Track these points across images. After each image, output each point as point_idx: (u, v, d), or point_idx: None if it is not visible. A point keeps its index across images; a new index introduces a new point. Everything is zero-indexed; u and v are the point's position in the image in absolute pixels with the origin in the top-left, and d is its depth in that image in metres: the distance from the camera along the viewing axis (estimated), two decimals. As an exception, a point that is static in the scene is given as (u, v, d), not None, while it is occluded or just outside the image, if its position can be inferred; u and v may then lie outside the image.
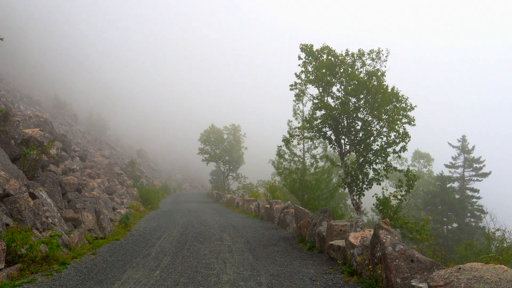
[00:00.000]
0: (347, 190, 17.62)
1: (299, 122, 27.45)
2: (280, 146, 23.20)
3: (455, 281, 6.24)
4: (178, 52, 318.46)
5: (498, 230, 30.53)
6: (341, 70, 16.98)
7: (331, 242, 12.70)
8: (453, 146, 51.31)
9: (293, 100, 19.32)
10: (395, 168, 16.99)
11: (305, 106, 28.04)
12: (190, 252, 13.85)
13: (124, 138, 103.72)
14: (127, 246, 15.40)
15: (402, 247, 8.44)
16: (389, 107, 16.55)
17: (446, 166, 51.60)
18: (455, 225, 46.73)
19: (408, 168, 17.22)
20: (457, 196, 48.18)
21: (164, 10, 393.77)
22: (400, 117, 16.60)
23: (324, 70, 16.91)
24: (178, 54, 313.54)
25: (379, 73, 16.71)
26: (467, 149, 50.38)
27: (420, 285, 7.51)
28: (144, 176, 61.12)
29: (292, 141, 21.99)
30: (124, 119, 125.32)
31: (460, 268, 6.63)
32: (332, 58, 17.13)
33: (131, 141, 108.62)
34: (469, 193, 49.22)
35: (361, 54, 17.23)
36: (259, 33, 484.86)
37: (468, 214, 47.32)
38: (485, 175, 49.66)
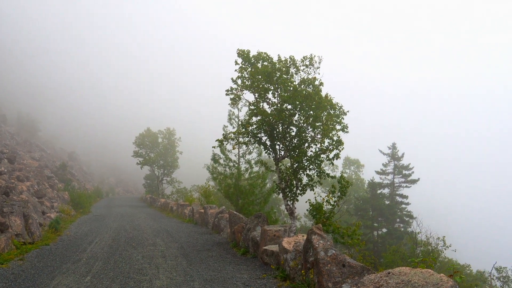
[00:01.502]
0: (281, 195, 17.96)
1: (234, 127, 27.66)
2: (214, 147, 23.26)
3: (384, 285, 6.50)
4: (112, 53, 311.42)
5: (419, 233, 32.14)
6: (277, 75, 17.27)
7: (265, 247, 12.95)
8: (384, 153, 53.35)
9: (229, 104, 19.41)
10: (328, 175, 17.53)
11: (240, 111, 28.30)
12: (122, 258, 13.70)
13: (56, 141, 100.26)
14: (57, 251, 15.00)
15: (334, 252, 8.72)
16: (323, 114, 17.02)
17: (377, 172, 53.57)
18: (385, 230, 48.48)
19: (341, 175, 17.80)
20: (387, 202, 50.15)
21: (96, 8, 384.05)
22: (335, 124, 17.09)
23: (260, 77, 17.19)
24: (112, 56, 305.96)
25: (316, 82, 17.18)
26: (397, 156, 52.52)
27: (351, 289, 7.77)
28: (75, 179, 59.42)
29: (226, 145, 22.13)
30: (57, 121, 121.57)
31: (389, 273, 6.93)
32: (268, 65, 17.44)
33: (64, 143, 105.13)
34: (398, 199, 51.38)
35: (293, 61, 17.64)
36: (196, 35, 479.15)
37: (397, 220, 49.38)
38: (414, 181, 52.01)
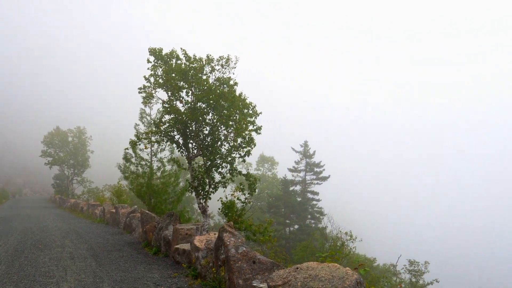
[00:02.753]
0: (194, 194, 18.08)
1: (145, 126, 27.37)
2: (127, 148, 22.93)
3: (292, 280, 6.80)
4: (22, 51, 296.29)
5: (326, 228, 33.44)
6: (191, 73, 17.36)
7: (177, 246, 13.05)
8: (296, 151, 54.77)
9: (142, 103, 19.21)
10: (240, 172, 17.90)
11: (151, 109, 28.06)
12: (28, 260, 13.24)
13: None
14: (-48, 257, 14.15)
15: (244, 249, 8.97)
16: (237, 113, 17.35)
17: (290, 170, 54.96)
18: (296, 226, 49.78)
19: (248, 172, 18.20)
20: (299, 199, 51.53)
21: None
22: (248, 124, 17.46)
23: (174, 74, 17.21)
24: (22, 53, 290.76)
25: (231, 82, 17.49)
26: (308, 154, 54.09)
27: (261, 285, 8.00)
28: (-24, 181, 55.93)
29: (139, 145, 21.91)
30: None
31: (297, 268, 7.24)
32: (182, 63, 17.51)
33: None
34: (310, 196, 53.00)
35: (210, 60, 17.84)
36: (110, 31, 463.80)
37: (309, 216, 50.98)
38: (325, 178, 53.86)
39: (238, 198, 17.57)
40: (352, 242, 34.59)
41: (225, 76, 17.93)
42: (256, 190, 18.66)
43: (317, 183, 54.31)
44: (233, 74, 18.05)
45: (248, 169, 71.61)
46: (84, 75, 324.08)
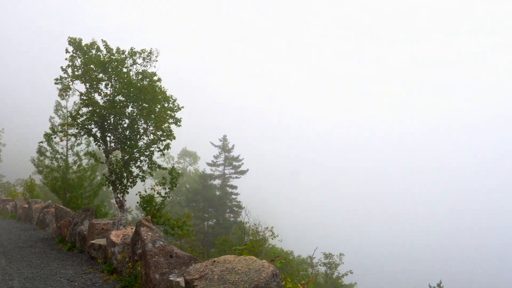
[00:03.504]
0: (111, 188, 17.69)
1: (61, 119, 26.33)
2: (41, 142, 21.94)
3: (209, 273, 6.88)
4: None
5: (247, 222, 33.86)
6: (111, 65, 16.96)
7: (92, 241, 12.79)
8: (215, 145, 54.81)
9: (58, 95, 18.49)
10: (159, 166, 17.75)
11: (67, 101, 27.00)
12: None
13: None
14: None
15: (161, 243, 8.96)
16: (157, 107, 17.18)
17: (208, 164, 54.97)
18: (215, 220, 49.91)
19: (173, 166, 18.12)
20: (217, 193, 51.67)
21: None
22: (167, 117, 17.33)
23: (93, 66, 16.73)
24: None
25: (154, 77, 17.29)
26: (227, 148, 54.32)
27: (178, 279, 8.05)
28: None
29: (55, 138, 21.07)
30: None
31: (214, 261, 7.34)
32: (101, 55, 17.06)
33: None
34: (228, 189, 53.30)
35: (133, 53, 17.51)
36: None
37: (227, 210, 51.26)
38: (243, 172, 54.33)
39: (158, 192, 17.41)
40: (271, 236, 35.24)
41: (147, 70, 17.68)
42: (177, 185, 18.53)
43: (236, 177, 54.69)
44: (155, 67, 17.83)
45: (172, 164, 70.81)
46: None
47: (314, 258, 42.09)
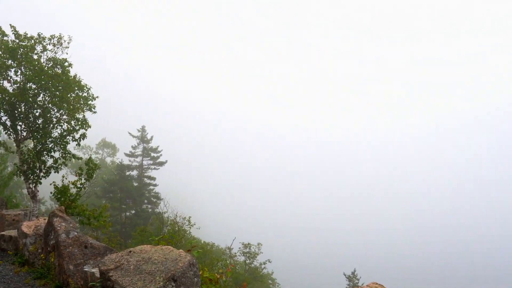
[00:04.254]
0: (23, 178, 16.88)
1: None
2: None
3: (125, 263, 6.78)
4: None
5: (165, 212, 33.56)
6: (20, 51, 16.11)
7: (2, 233, 12.25)
8: (133, 136, 53.63)
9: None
10: (74, 156, 17.17)
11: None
12: None
13: None
14: None
15: (76, 234, 8.71)
16: (71, 95, 16.58)
17: (126, 155, 53.76)
18: (133, 211, 48.95)
19: (89, 157, 17.59)
20: (135, 184, 50.64)
21: None
22: (82, 105, 16.80)
23: (0, 52, 15.81)
24: None
25: (65, 63, 16.61)
26: (146, 139, 53.32)
27: (92, 270, 7.87)
28: None
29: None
30: None
31: (130, 251, 7.24)
32: (10, 40, 16.14)
33: None
34: (146, 180, 52.39)
35: (41, 38, 16.72)
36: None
37: (145, 201, 50.45)
38: (162, 163, 53.59)
39: (73, 183, 16.82)
40: (188, 226, 35.11)
41: (58, 57, 16.95)
42: (94, 176, 18.03)
43: (154, 168, 53.87)
44: (67, 54, 17.15)
45: (89, 154, 68.38)
46: None
47: (232, 248, 42.45)
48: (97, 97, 17.57)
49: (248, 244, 42.73)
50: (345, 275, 46.25)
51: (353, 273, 45.87)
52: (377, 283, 4.15)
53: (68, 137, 17.02)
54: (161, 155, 54.16)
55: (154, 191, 52.15)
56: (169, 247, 7.21)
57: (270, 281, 48.87)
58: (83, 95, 17.05)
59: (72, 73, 17.06)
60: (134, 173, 53.25)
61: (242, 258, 42.96)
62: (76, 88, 16.81)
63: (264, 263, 41.98)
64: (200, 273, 8.11)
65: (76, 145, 17.84)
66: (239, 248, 42.80)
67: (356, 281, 44.79)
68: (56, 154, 17.10)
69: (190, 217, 35.08)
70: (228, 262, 39.31)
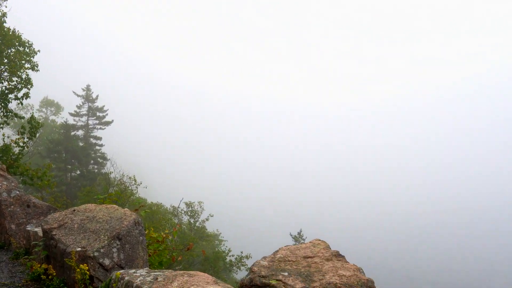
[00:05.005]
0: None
1: None
2: None
3: (69, 222, 6.75)
4: None
5: (111, 173, 33.23)
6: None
7: None
8: (78, 95, 52.04)
9: None
10: (16, 115, 16.61)
11: None
12: None
13: None
14: None
15: (18, 193, 8.55)
16: (11, 51, 15.89)
17: (71, 114, 52.28)
18: (78, 172, 48.09)
19: (32, 115, 17.06)
20: (81, 144, 49.55)
21: None
22: (23, 62, 16.17)
23: None
24: None
25: None
26: (91, 98, 51.90)
27: (35, 229, 7.77)
28: None
29: None
30: None
31: (74, 210, 7.20)
32: None
33: None
34: (92, 141, 51.34)
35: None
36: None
37: (92, 161, 49.57)
38: (108, 123, 52.53)
39: (15, 142, 16.31)
40: (135, 185, 34.91)
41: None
42: (37, 135, 17.52)
43: (100, 128, 52.75)
44: (5, 7, 16.32)
45: (32, 112, 65.84)
46: None
47: (178, 208, 42.59)
48: (39, 51, 16.88)
49: (190, 202, 42.88)
50: (291, 235, 47.54)
51: (299, 233, 47.18)
52: (319, 240, 4.33)
53: (10, 95, 16.38)
54: (107, 114, 52.98)
55: (100, 151, 51.24)
56: (114, 206, 7.21)
57: (217, 242, 49.59)
58: (24, 50, 16.34)
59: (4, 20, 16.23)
60: (80, 133, 52.02)
61: (186, 218, 43.20)
62: (16, 43, 16.07)
63: (207, 219, 42.36)
64: (146, 232, 8.16)
65: (18, 103, 17.24)
66: (182, 208, 42.99)
67: (302, 241, 46.14)
68: (-3, 113, 16.50)
69: (134, 175, 34.85)
70: (175, 222, 39.54)
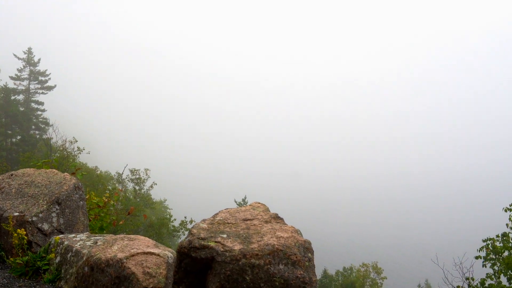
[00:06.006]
0: None
1: None
2: None
3: (6, 187, 6.52)
4: None
5: (51, 138, 32.22)
6: None
7: None
8: (19, 58, 49.76)
9: None
10: None
11: None
12: None
13: None
14: None
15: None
16: None
17: (12, 78, 49.95)
18: (19, 137, 46.41)
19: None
20: (21, 109, 47.67)
21: None
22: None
23: None
24: None
25: None
26: (33, 61, 49.78)
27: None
28: None
29: None
30: None
31: (12, 174, 6.95)
32: None
33: None
34: (34, 105, 49.47)
35: None
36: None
37: (33, 127, 47.91)
38: (50, 88, 50.71)
39: None
40: (78, 152, 34.10)
41: None
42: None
43: (42, 93, 50.82)
44: None
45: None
46: None
47: (122, 174, 42.01)
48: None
49: (135, 169, 42.35)
50: (235, 201, 47.94)
51: (243, 199, 47.63)
52: (259, 202, 4.40)
53: None
54: (49, 78, 51.03)
55: (42, 116, 49.53)
56: (54, 170, 7.02)
57: (162, 208, 49.49)
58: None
59: None
60: (20, 97, 49.94)
61: (131, 185, 42.69)
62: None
63: (151, 186, 42.11)
64: (87, 197, 8.00)
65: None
66: (128, 175, 42.45)
67: (246, 206, 46.54)
68: None
69: (76, 141, 34.01)
70: (120, 188, 39.03)
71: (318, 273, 44.36)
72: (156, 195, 45.58)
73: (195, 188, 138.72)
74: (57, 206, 6.03)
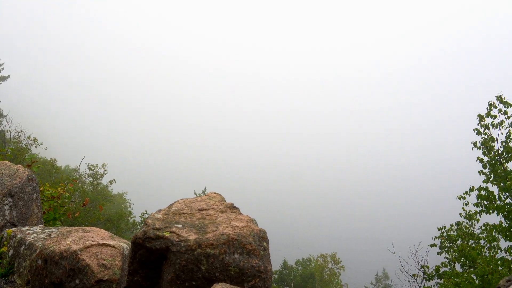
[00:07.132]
0: None
1: None
2: None
3: None
4: None
5: (8, 131, 31.36)
6: None
7: None
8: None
9: None
10: None
11: None
12: None
13: None
14: None
15: None
16: None
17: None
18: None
19: None
20: (-27, 99, 46.15)
21: None
22: None
23: None
24: None
25: None
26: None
27: None
28: None
29: None
30: None
31: (-39, 167, 6.74)
32: None
33: None
34: (-14, 96, 47.89)
35: None
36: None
37: (-14, 118, 46.34)
38: (4, 78, 49.30)
39: None
40: (34, 145, 33.24)
41: None
42: None
43: (-5, 83, 49.35)
44: None
45: None
46: None
47: (79, 169, 41.13)
48: None
49: (92, 165, 41.49)
50: (195, 193, 47.73)
51: (203, 191, 47.45)
52: (215, 193, 4.44)
53: None
54: (3, 68, 49.47)
55: (-4, 108, 48.04)
56: (7, 162, 6.87)
57: (123, 204, 48.77)
58: None
59: None
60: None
61: (88, 179, 41.76)
62: None
63: (110, 182, 41.39)
64: (41, 189, 7.85)
65: None
66: (84, 170, 41.58)
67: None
68: None
69: (34, 137, 33.14)
70: (76, 180, 38.27)
71: (278, 264, 44.76)
72: (121, 188, 44.86)
73: (162, 181, 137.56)
74: (9, 199, 5.89)
